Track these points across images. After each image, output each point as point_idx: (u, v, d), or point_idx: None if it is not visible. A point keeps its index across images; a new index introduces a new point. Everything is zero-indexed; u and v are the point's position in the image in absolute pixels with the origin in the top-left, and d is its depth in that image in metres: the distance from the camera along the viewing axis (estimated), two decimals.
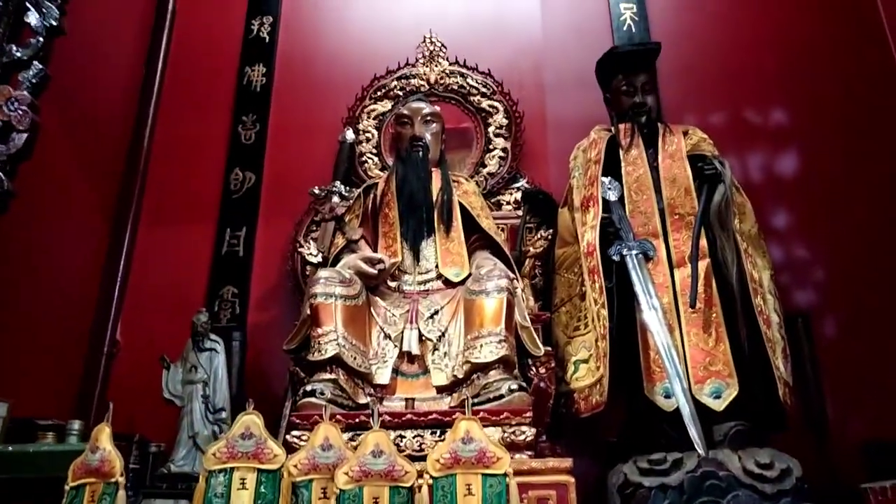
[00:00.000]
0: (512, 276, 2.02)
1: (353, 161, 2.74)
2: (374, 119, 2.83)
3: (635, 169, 2.23)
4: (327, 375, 1.80)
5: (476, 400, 1.73)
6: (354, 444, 1.35)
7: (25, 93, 1.45)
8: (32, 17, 1.63)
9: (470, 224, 2.27)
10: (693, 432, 1.71)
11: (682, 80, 2.90)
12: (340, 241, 2.28)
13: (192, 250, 2.76)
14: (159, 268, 2.74)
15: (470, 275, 2.07)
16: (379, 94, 2.87)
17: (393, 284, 2.14)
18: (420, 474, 1.02)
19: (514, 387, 1.76)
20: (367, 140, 2.78)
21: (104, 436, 0.97)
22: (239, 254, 2.72)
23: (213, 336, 2.06)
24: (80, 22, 2.20)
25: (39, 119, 1.44)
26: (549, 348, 2.03)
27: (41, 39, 1.62)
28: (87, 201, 2.67)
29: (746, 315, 1.98)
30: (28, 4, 1.63)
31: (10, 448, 1.08)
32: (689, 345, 1.92)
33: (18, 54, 1.57)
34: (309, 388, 1.77)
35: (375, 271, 2.05)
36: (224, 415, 1.98)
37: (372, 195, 2.39)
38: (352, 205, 2.40)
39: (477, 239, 2.26)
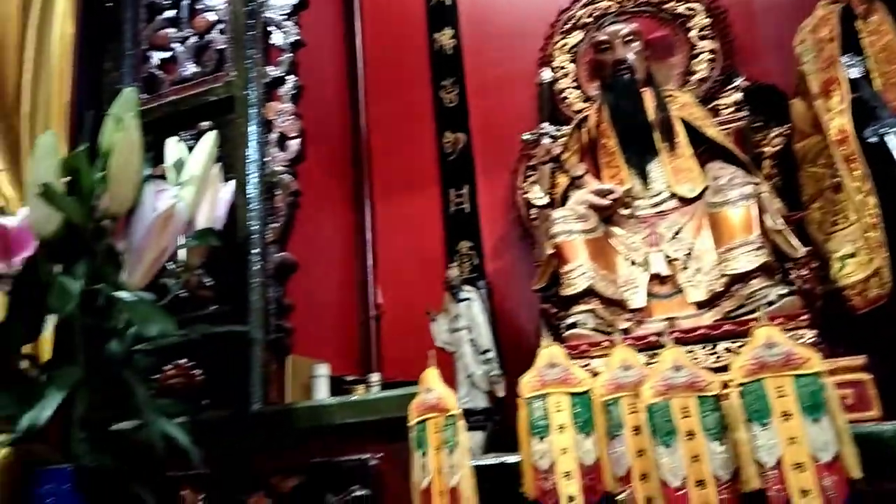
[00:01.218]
0: (756, 180, 1.93)
1: (554, 100, 2.77)
2: (567, 53, 2.81)
3: (880, 37, 1.98)
4: (584, 307, 1.89)
5: (743, 310, 1.72)
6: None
7: (290, 104, 1.67)
8: (277, 37, 1.88)
9: (694, 136, 2.20)
10: None
11: None
12: (563, 179, 2.33)
13: (424, 213, 3.00)
14: (400, 234, 3.02)
15: (706, 188, 2.03)
16: (568, 26, 2.84)
17: (626, 212, 2.15)
18: (724, 385, 1.06)
19: (783, 291, 1.71)
20: (565, 76, 2.78)
21: (434, 378, 1.13)
22: (466, 210, 2.89)
23: (466, 287, 2.25)
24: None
25: (304, 125, 1.67)
26: (809, 248, 1.93)
27: (289, 55, 1.87)
28: (330, 187, 3.00)
29: None
30: (269, 28, 1.88)
31: (354, 397, 1.29)
32: None
33: (275, 73, 1.84)
34: (570, 320, 1.88)
35: (608, 202, 2.09)
36: (490, 355, 2.17)
37: (585, 129, 2.40)
38: (566, 143, 2.43)
39: (705, 150, 2.18)
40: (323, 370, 1.82)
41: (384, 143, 3.19)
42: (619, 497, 1.04)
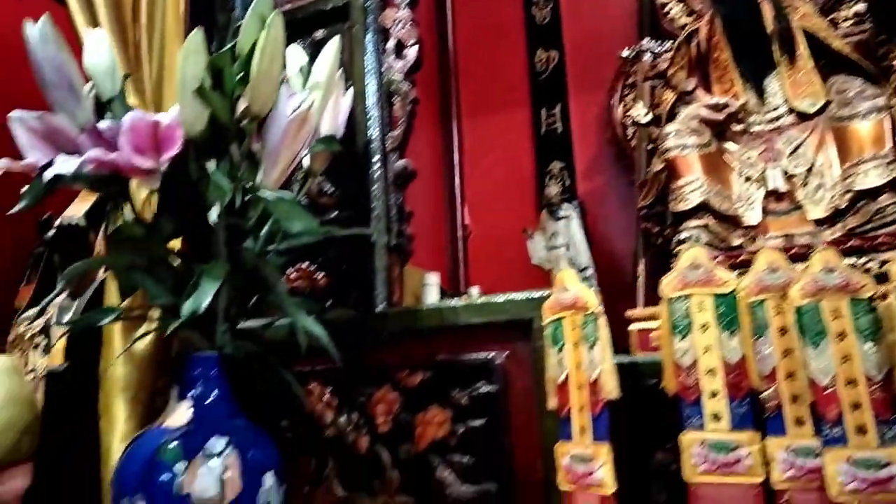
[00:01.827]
0: (886, 93, 1.82)
1: (655, 14, 2.64)
2: None
3: None
4: (697, 222, 1.86)
5: (869, 227, 1.65)
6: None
7: (406, 11, 1.65)
8: None
9: (816, 48, 2.07)
10: None
11: None
12: (669, 96, 2.25)
13: (513, 133, 2.96)
14: (488, 154, 3.00)
15: (828, 102, 1.92)
16: None
17: (739, 128, 2.07)
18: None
19: None
20: None
21: (571, 278, 1.13)
22: (558, 130, 2.84)
23: (565, 205, 2.24)
24: None
25: (420, 32, 1.64)
26: None
27: None
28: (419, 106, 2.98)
29: None
30: None
31: (481, 300, 1.30)
32: None
33: None
34: (683, 235, 1.85)
35: (722, 116, 2.01)
36: (589, 272, 2.17)
37: (695, 42, 2.29)
38: (673, 57, 2.33)
39: (826, 63, 2.06)
40: (433, 279, 1.87)
41: (473, 62, 3.14)
42: (763, 394, 1.04)
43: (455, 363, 1.31)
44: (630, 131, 2.54)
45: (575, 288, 1.15)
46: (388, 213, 1.51)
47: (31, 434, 1.37)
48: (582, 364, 1.09)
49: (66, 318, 2.17)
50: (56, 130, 1.18)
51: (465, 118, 3.09)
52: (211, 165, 1.14)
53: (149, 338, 1.41)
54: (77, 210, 2.26)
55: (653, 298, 1.58)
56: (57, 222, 2.21)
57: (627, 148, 2.57)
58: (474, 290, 2.17)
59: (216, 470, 1.05)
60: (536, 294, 1.26)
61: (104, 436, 1.35)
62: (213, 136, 1.17)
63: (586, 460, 1.05)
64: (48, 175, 1.07)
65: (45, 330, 2.16)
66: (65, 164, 1.10)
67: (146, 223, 1.15)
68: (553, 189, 2.27)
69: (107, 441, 1.34)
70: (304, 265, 1.56)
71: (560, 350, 1.13)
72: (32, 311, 2.18)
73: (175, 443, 1.06)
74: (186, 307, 1.02)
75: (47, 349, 2.13)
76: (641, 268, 2.19)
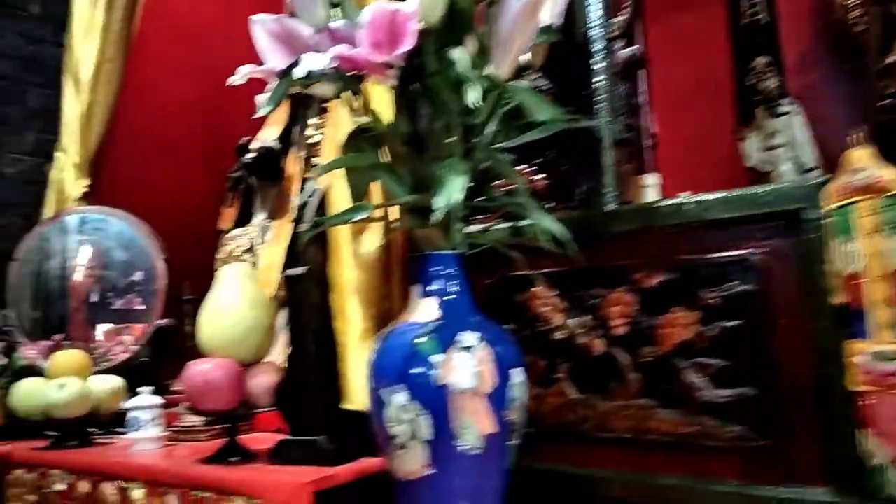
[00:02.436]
0: None
1: None
2: None
3: None
4: None
5: None
6: None
7: None
8: None
9: None
10: None
11: None
12: None
13: (704, 29, 2.69)
14: (675, 56, 2.76)
15: None
16: None
17: None
18: None
19: None
20: None
21: (866, 157, 0.97)
22: (762, 21, 2.53)
23: (785, 100, 2.00)
24: None
25: None
26: None
27: None
28: None
29: None
30: None
31: (735, 192, 1.16)
32: None
33: None
34: None
35: None
36: (815, 173, 1.94)
37: None
38: None
39: None
40: (653, 180, 1.76)
41: None
42: None
43: (702, 262, 1.22)
44: (856, 14, 2.20)
45: (873, 168, 1.00)
46: (613, 105, 1.41)
47: (271, 336, 1.45)
48: (882, 253, 0.96)
49: (267, 236, 2.29)
50: (292, 34, 1.18)
51: (650, 17, 2.84)
52: (454, 55, 1.09)
53: (376, 241, 1.43)
54: (270, 134, 2.35)
55: None
56: (252, 145, 2.31)
57: (851, 34, 2.24)
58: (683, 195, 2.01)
59: (471, 362, 1.04)
60: (811, 180, 1.12)
61: (340, 335, 1.40)
62: (451, 25, 1.11)
63: (891, 358, 0.93)
64: (301, 71, 1.07)
65: (251, 248, 2.29)
66: (313, 61, 1.10)
67: (384, 122, 1.13)
68: (771, 82, 2.03)
69: (343, 339, 1.40)
70: (523, 167, 1.51)
71: (849, 240, 1.00)
72: (238, 231, 2.31)
73: (430, 336, 1.07)
74: (438, 202, 1.00)
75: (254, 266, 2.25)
76: None
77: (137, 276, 2.18)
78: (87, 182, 2.28)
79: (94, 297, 2.19)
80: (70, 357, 1.83)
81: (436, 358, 1.03)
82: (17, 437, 1.86)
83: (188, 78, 2.77)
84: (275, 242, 2.21)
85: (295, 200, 2.13)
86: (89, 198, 2.29)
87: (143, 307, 2.15)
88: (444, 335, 1.06)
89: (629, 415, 1.24)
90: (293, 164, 2.24)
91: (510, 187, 1.51)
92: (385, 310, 1.41)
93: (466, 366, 1.03)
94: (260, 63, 1.13)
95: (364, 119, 1.19)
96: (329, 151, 2.11)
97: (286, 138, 2.33)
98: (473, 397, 1.02)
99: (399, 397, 1.02)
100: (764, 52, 2.49)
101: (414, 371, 1.03)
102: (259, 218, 2.37)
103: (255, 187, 2.40)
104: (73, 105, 2.30)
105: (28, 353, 1.88)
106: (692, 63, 2.71)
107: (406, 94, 1.14)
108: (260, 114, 1.16)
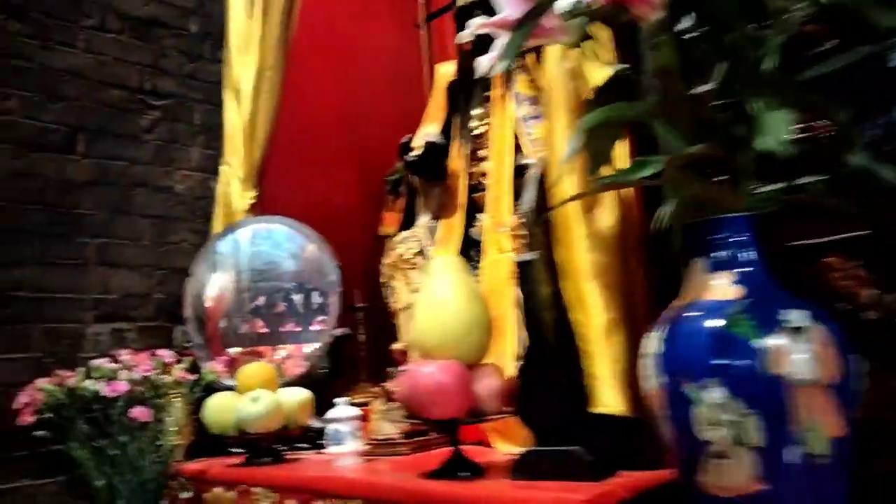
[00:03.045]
0: None
1: None
2: None
3: None
4: None
5: None
6: None
7: None
8: None
9: None
10: None
11: None
12: None
13: None
14: None
15: None
16: None
17: None
18: None
19: None
20: None
21: None
22: None
23: None
24: None
25: None
26: None
27: None
28: None
29: None
30: None
31: None
32: None
33: None
34: None
35: None
36: None
37: None
38: None
39: None
40: None
41: None
42: None
43: None
44: None
45: None
46: None
47: (490, 333, 1.28)
48: None
49: (435, 237, 2.15)
50: None
51: None
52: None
53: (611, 218, 1.24)
54: (431, 130, 2.22)
55: None
56: (414, 143, 2.18)
57: None
58: None
59: (805, 346, 0.82)
60: None
61: (580, 328, 1.21)
62: None
63: None
64: (562, 6, 0.90)
65: (421, 251, 2.15)
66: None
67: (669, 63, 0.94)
68: None
69: (584, 332, 1.21)
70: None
71: None
72: (405, 234, 2.19)
73: (742, 316, 0.85)
74: (766, 142, 0.80)
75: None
76: None
77: (312, 285, 2.11)
78: (253, 194, 2.24)
79: (271, 309, 2.13)
80: (258, 370, 1.76)
81: (758, 343, 0.82)
82: (204, 454, 1.80)
83: (332, 85, 2.72)
84: (444, 242, 2.07)
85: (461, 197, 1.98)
86: (255, 209, 2.25)
87: (323, 317, 2.07)
88: (762, 315, 0.85)
89: None
90: (457, 160, 2.11)
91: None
92: (627, 295, 1.21)
93: (801, 351, 0.81)
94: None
95: (619, 66, 1.00)
96: (496, 142, 1.95)
97: (447, 134, 2.20)
98: (816, 390, 0.80)
99: (713, 394, 0.82)
100: None
101: (731, 361, 0.83)
102: (424, 219, 2.24)
103: (416, 188, 2.28)
104: (234, 118, 2.28)
105: (215, 367, 1.82)
106: None
107: (680, 35, 0.94)
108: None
